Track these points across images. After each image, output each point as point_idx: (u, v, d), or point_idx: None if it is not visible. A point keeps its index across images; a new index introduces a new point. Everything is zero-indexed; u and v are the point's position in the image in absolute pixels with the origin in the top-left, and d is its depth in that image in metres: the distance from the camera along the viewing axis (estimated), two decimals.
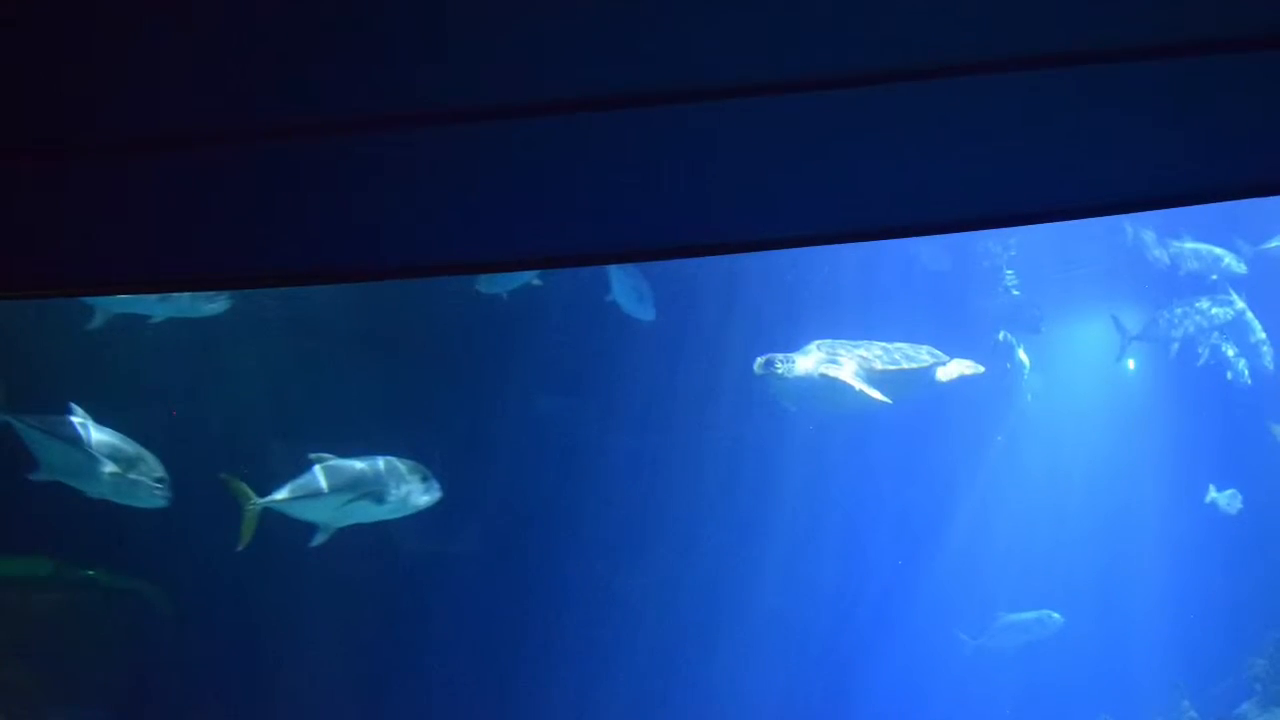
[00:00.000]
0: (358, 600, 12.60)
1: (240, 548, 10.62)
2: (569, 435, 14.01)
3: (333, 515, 11.15)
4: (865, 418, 14.05)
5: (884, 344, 13.50)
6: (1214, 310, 14.69)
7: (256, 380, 12.17)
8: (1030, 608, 14.71)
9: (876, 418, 14.06)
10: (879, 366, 13.23)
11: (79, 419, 9.98)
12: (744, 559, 14.56)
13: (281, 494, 10.74)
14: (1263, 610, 14.57)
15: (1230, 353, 14.74)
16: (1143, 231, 14.77)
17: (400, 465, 11.23)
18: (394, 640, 12.80)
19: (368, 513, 11.23)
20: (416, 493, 11.33)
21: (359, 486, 11.13)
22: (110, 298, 10.00)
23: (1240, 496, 14.47)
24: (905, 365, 13.41)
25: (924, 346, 13.55)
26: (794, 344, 12.94)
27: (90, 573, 11.77)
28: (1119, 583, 15.46)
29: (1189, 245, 14.82)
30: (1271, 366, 14.71)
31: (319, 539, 11.20)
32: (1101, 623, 14.99)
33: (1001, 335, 14.99)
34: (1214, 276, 14.83)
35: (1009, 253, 15.03)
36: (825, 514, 14.61)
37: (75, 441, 9.93)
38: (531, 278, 12.14)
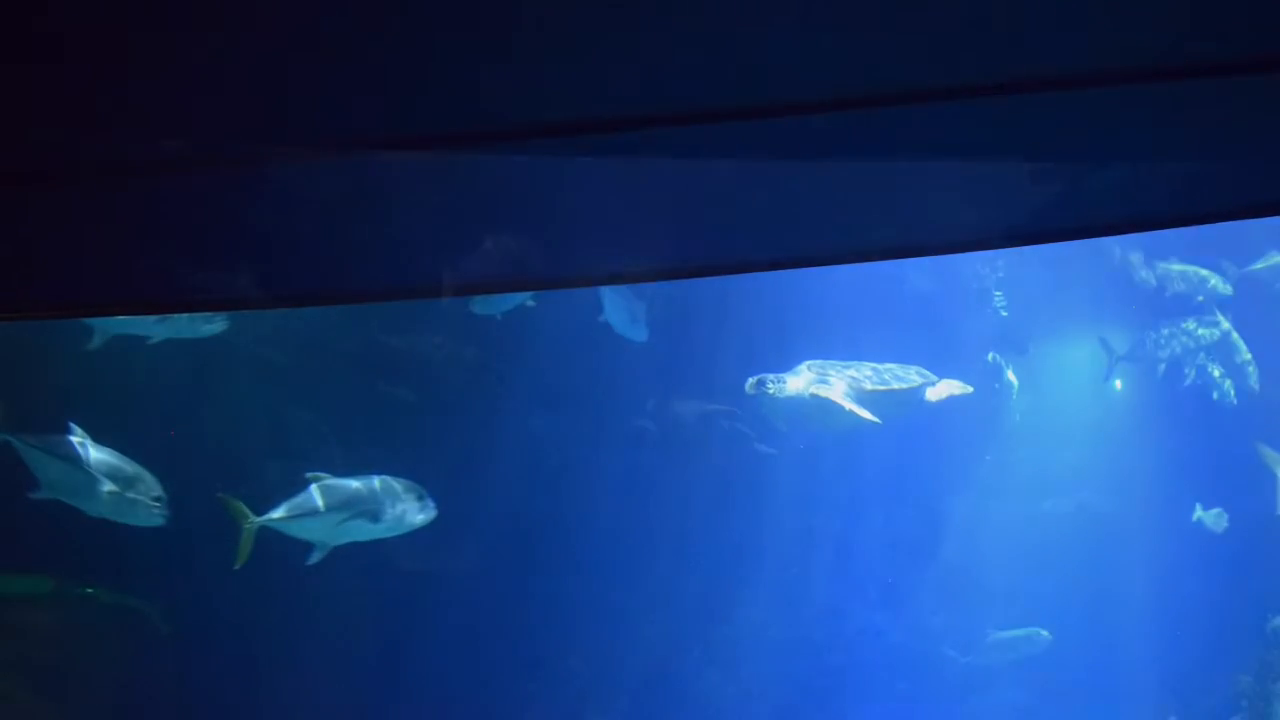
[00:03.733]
0: (352, 616, 12.67)
1: (237, 566, 10.71)
2: (562, 453, 14.10)
3: (329, 534, 11.23)
4: (855, 437, 14.14)
5: (874, 364, 13.63)
6: (1200, 331, 14.80)
7: (254, 399, 12.28)
8: (1019, 625, 14.77)
9: (866, 437, 14.16)
10: (869, 387, 13.35)
11: (78, 438, 10.06)
12: (735, 576, 14.65)
13: (278, 513, 10.85)
14: (1248, 627, 14.67)
15: (1216, 373, 14.85)
16: (1130, 253, 14.88)
17: (396, 484, 11.31)
18: (387, 656, 12.87)
19: (364, 531, 11.31)
20: (412, 511, 11.42)
21: (355, 505, 11.21)
22: (109, 319, 10.10)
23: (1226, 515, 14.56)
24: (895, 385, 13.54)
25: (913, 367, 13.68)
26: (785, 364, 13.05)
27: (90, 590, 11.82)
28: (1108, 600, 15.51)
29: (1175, 267, 14.95)
30: (1257, 386, 14.81)
31: (315, 557, 11.29)
32: (1090, 640, 15.07)
33: (991, 356, 15.09)
34: (1200, 298, 14.94)
35: (997, 274, 15.13)
36: (815, 531, 14.67)
37: (74, 460, 10.01)
38: (526, 299, 12.24)
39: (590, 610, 14.67)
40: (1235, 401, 14.63)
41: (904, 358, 13.49)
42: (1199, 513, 14.60)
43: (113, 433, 10.47)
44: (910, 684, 13.39)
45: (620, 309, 12.55)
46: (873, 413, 13.26)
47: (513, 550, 15.64)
